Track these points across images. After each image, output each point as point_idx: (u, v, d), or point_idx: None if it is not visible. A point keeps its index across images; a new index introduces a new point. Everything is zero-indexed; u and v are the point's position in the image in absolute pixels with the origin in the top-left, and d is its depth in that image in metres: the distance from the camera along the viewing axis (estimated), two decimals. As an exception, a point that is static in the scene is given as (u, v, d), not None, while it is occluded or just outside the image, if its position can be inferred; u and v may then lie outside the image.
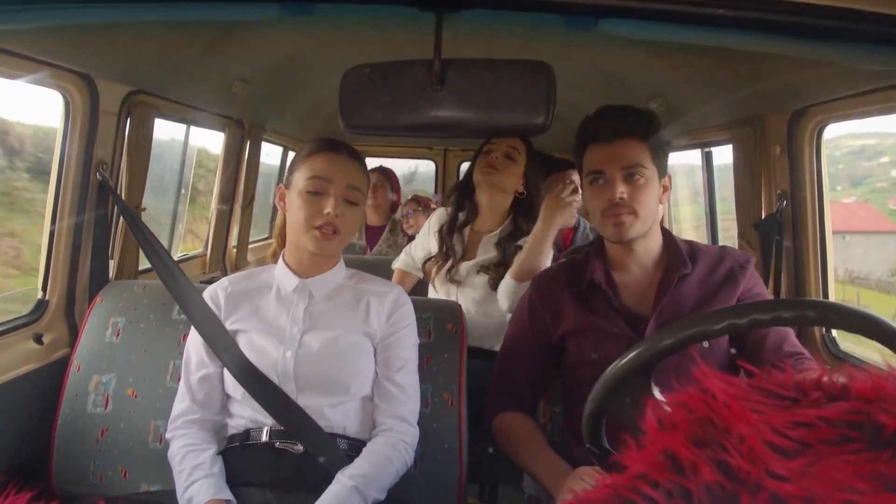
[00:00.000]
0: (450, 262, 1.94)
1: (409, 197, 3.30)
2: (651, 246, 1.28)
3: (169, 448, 1.22)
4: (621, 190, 1.21)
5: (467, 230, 1.98)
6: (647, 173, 1.22)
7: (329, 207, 1.18)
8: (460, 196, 2.00)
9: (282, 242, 1.32)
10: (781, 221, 1.81)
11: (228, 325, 1.25)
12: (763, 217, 1.89)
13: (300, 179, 1.21)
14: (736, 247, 2.00)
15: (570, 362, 1.31)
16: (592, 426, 0.99)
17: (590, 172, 1.25)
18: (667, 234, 1.32)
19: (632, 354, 0.94)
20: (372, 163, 3.63)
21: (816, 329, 1.72)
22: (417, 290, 2.17)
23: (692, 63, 1.76)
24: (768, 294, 1.32)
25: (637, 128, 1.23)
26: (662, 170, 1.26)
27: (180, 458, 1.17)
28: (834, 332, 1.72)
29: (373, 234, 3.03)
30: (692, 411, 0.32)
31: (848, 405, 0.31)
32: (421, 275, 2.15)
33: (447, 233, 1.97)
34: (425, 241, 2.07)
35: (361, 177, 1.24)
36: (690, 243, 1.33)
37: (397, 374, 1.24)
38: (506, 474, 1.72)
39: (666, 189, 1.28)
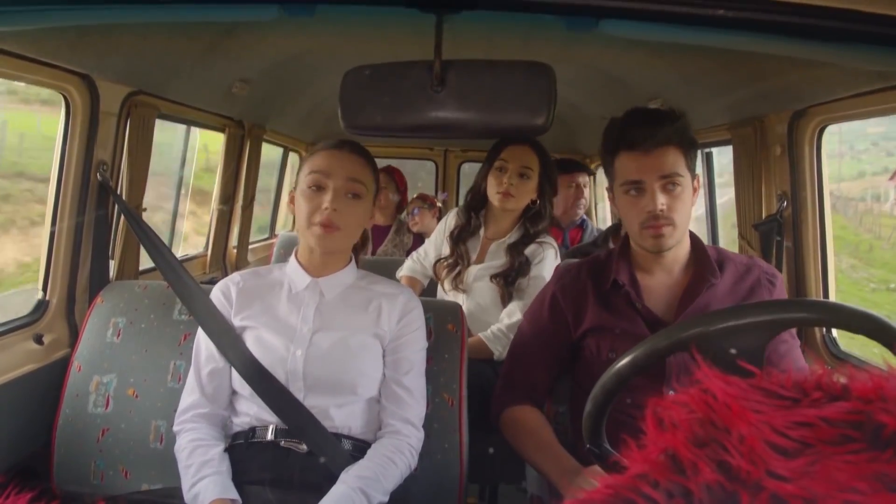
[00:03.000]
0: (458, 269, 1.95)
1: (415, 195, 3.30)
2: (680, 252, 1.26)
3: (176, 441, 1.22)
4: (662, 201, 1.17)
5: (479, 235, 1.98)
6: (683, 181, 1.20)
7: (327, 202, 1.17)
8: (472, 204, 2.00)
9: None
10: (782, 222, 1.81)
11: (238, 321, 1.25)
12: (763, 218, 1.89)
13: (304, 177, 1.22)
14: (737, 248, 2.01)
15: (586, 360, 1.30)
16: (593, 426, 0.99)
17: (626, 182, 1.21)
18: (695, 240, 1.30)
19: (632, 355, 0.94)
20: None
21: (817, 330, 1.72)
22: (424, 296, 2.18)
23: (692, 64, 1.76)
24: None
25: (675, 136, 1.19)
26: (693, 173, 1.23)
27: (188, 453, 1.17)
28: (834, 333, 1.72)
29: (378, 234, 3.03)
30: (693, 411, 0.32)
31: (848, 405, 0.31)
32: (427, 282, 2.16)
33: (458, 239, 1.98)
34: (439, 241, 2.07)
35: (364, 170, 1.23)
36: (718, 250, 1.31)
37: (405, 376, 1.24)
38: (506, 474, 1.72)
39: (695, 190, 1.24)
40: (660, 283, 1.28)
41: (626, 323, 1.25)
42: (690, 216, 1.24)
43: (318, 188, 1.19)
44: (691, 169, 1.22)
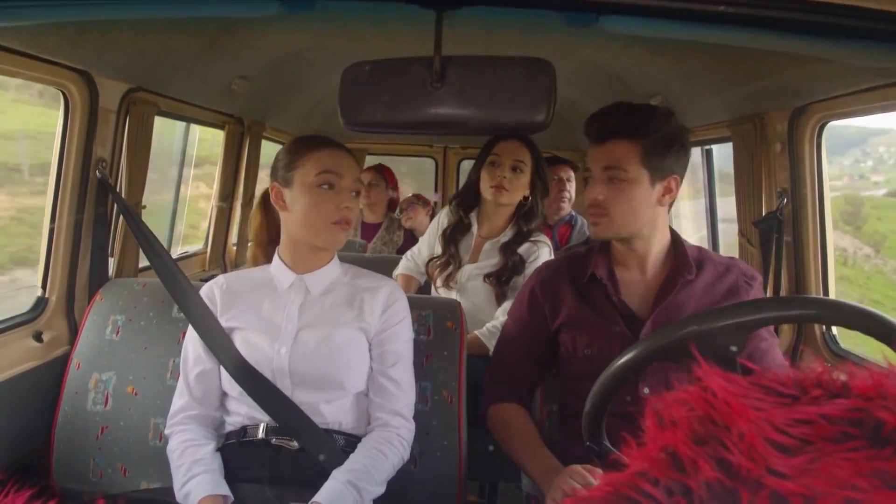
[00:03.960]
0: (450, 268, 1.94)
1: (410, 194, 3.31)
2: (651, 246, 1.26)
3: (168, 443, 1.22)
4: (598, 190, 1.22)
5: (472, 233, 1.98)
6: (628, 175, 1.19)
7: (346, 202, 1.21)
8: (465, 202, 2.00)
9: (261, 244, 1.33)
10: (782, 219, 1.81)
11: (224, 322, 1.26)
12: (763, 215, 1.89)
13: (308, 174, 1.20)
14: (736, 245, 2.01)
15: (563, 356, 1.31)
16: (592, 424, 0.99)
17: (584, 170, 1.26)
18: (675, 238, 1.30)
19: (633, 353, 0.94)
20: (371, 160, 3.64)
21: (816, 327, 1.72)
22: (420, 293, 2.17)
23: (693, 60, 1.76)
24: None
25: (625, 128, 1.19)
26: (662, 171, 1.20)
27: (179, 453, 1.18)
28: (834, 330, 1.72)
29: (369, 231, 3.04)
30: (692, 409, 0.32)
31: (848, 402, 0.31)
32: (423, 280, 2.16)
33: (451, 239, 1.97)
34: (431, 241, 2.07)
35: (360, 169, 1.25)
36: (700, 250, 1.31)
37: (391, 368, 1.24)
38: (505, 472, 1.72)
39: (669, 191, 1.23)
40: (637, 278, 1.28)
41: (601, 318, 1.26)
42: (641, 212, 1.22)
43: (330, 187, 1.20)
44: (654, 166, 1.20)
